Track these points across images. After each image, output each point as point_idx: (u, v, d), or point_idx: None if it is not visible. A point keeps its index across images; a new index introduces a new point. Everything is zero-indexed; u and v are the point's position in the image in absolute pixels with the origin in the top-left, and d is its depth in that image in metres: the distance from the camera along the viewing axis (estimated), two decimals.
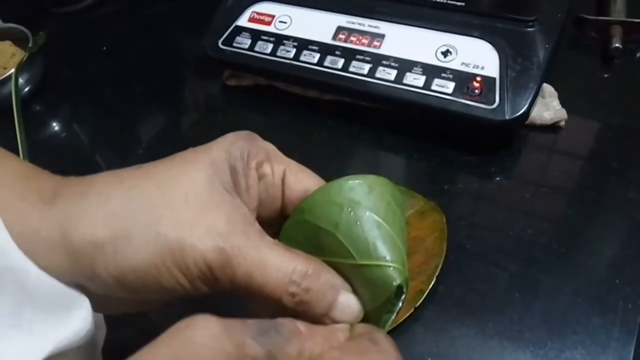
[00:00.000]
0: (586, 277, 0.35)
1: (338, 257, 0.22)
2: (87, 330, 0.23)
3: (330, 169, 0.44)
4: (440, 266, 0.36)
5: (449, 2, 0.45)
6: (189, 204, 0.22)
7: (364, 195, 0.22)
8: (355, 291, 0.23)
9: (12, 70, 0.52)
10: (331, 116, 0.48)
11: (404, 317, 0.34)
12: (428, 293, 0.35)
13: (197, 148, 0.23)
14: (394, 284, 0.22)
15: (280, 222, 0.25)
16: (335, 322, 0.22)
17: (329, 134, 0.47)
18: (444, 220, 0.38)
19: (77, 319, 0.22)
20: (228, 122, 0.51)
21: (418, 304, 0.34)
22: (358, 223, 0.22)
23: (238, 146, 0.23)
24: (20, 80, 0.53)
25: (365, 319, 0.23)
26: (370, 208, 0.22)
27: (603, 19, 0.49)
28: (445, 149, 0.44)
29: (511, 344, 0.33)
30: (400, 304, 0.23)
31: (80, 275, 0.21)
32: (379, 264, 0.22)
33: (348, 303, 0.22)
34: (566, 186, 0.41)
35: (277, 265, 0.21)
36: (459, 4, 0.45)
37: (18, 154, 0.48)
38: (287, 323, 0.20)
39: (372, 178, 0.23)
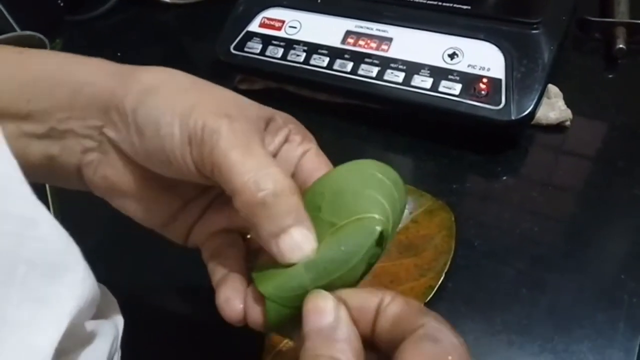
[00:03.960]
0: (592, 273, 0.36)
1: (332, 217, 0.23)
2: (90, 293, 0.22)
3: None
4: (448, 263, 0.37)
5: (455, 5, 0.46)
6: (224, 96, 0.25)
7: (347, 175, 0.24)
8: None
9: None
10: (341, 118, 0.49)
11: None
12: (437, 289, 0.35)
13: None
14: (377, 228, 0.22)
15: None
16: (280, 251, 0.22)
17: (338, 136, 0.48)
18: (452, 219, 0.39)
19: (75, 278, 0.21)
20: None
21: (427, 299, 0.35)
22: (342, 194, 0.23)
23: (287, 115, 0.27)
24: None
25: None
26: (356, 182, 0.24)
27: (607, 20, 0.50)
28: (452, 149, 0.45)
29: (519, 338, 0.34)
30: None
31: (114, 99, 0.24)
32: (359, 216, 0.22)
33: (302, 238, 0.22)
34: (572, 185, 0.42)
35: (260, 157, 0.22)
36: (464, 7, 0.46)
37: None
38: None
39: (363, 161, 0.25)
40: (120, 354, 0.27)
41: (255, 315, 0.23)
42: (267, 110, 0.26)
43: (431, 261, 0.37)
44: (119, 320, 0.27)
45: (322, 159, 0.27)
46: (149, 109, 0.23)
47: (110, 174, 0.26)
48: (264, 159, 0.22)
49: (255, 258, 0.26)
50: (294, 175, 0.27)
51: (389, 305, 0.21)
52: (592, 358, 0.32)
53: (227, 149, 0.22)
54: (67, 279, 0.21)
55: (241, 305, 0.24)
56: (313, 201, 0.24)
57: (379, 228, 0.22)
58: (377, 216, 0.22)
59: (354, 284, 0.23)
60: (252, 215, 0.22)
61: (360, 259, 0.22)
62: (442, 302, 0.36)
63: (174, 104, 0.23)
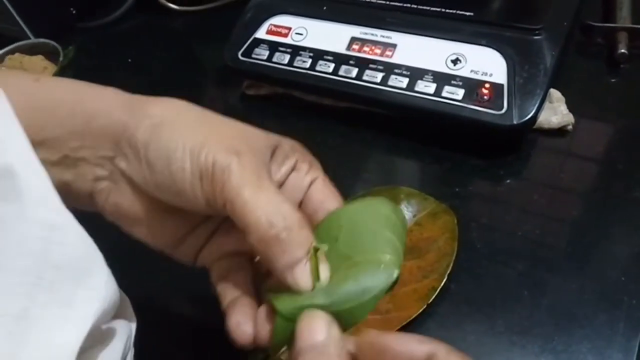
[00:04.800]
0: (592, 275, 0.37)
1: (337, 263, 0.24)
2: (112, 296, 0.24)
3: (345, 174, 0.46)
4: (451, 265, 0.37)
5: (458, 12, 0.47)
6: (230, 130, 0.26)
7: (362, 212, 0.26)
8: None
9: None
10: (346, 123, 0.50)
11: (417, 313, 0.36)
12: (440, 290, 0.36)
13: None
14: (393, 275, 0.23)
15: None
16: (295, 281, 0.23)
17: (343, 140, 0.49)
18: (455, 222, 0.40)
19: (99, 282, 0.23)
20: None
21: (430, 300, 0.36)
22: (360, 232, 0.25)
23: (292, 141, 0.28)
24: None
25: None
26: (370, 220, 0.25)
27: (609, 25, 0.50)
28: (455, 153, 0.46)
29: (520, 339, 0.35)
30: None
31: (126, 132, 0.25)
32: (375, 257, 0.24)
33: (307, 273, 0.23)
34: (573, 188, 0.43)
35: (270, 194, 0.23)
36: (467, 14, 0.46)
37: None
38: None
39: (376, 199, 0.27)
40: (133, 353, 0.28)
41: (264, 334, 0.24)
42: (273, 139, 0.27)
43: (434, 263, 0.38)
44: (132, 320, 0.28)
45: (330, 189, 0.28)
46: (160, 144, 0.24)
47: (120, 202, 0.27)
48: (274, 195, 0.23)
49: (264, 279, 0.27)
50: (302, 204, 0.27)
51: None
52: (591, 359, 0.33)
53: (239, 187, 0.23)
54: (91, 283, 0.22)
55: (252, 330, 0.25)
56: (330, 232, 0.25)
57: (397, 272, 0.23)
58: (394, 258, 0.24)
59: (359, 318, 0.24)
60: (266, 250, 0.23)
61: (374, 296, 0.23)
62: (445, 303, 0.37)
63: (185, 139, 0.24)
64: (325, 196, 0.27)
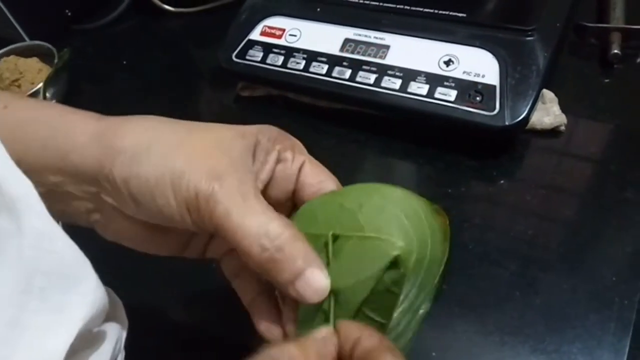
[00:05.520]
0: (584, 275, 0.37)
1: (347, 232, 0.24)
2: (100, 301, 0.24)
3: (339, 174, 0.46)
4: (443, 265, 0.37)
5: (450, 13, 0.47)
6: (206, 145, 0.25)
7: (396, 197, 0.25)
8: (343, 269, 0.24)
9: (40, 85, 0.55)
10: (340, 124, 0.50)
11: None
12: None
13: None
14: (391, 253, 0.23)
15: (289, 206, 0.28)
16: (299, 294, 0.23)
17: (337, 141, 0.50)
18: (447, 222, 0.40)
19: (88, 288, 0.23)
20: None
21: None
22: (381, 210, 0.24)
23: (269, 129, 0.27)
24: (47, 95, 0.56)
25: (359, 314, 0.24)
26: (397, 206, 0.25)
27: (602, 26, 0.50)
28: (448, 154, 0.46)
29: (511, 339, 0.35)
30: (403, 298, 0.24)
31: (102, 170, 0.25)
32: (383, 237, 0.23)
33: (315, 278, 0.23)
34: (565, 188, 0.43)
35: (257, 215, 0.23)
36: (460, 15, 0.47)
37: None
38: (281, 356, 0.21)
39: (406, 190, 0.26)
40: (124, 355, 0.28)
41: (292, 328, 0.26)
42: (250, 138, 0.26)
43: None
44: (123, 322, 0.29)
45: (320, 168, 0.28)
46: (139, 180, 0.24)
47: (119, 229, 0.27)
48: (261, 215, 0.23)
49: None
50: (296, 193, 0.27)
51: (366, 339, 0.22)
52: (582, 359, 0.33)
53: (226, 214, 0.23)
54: (79, 289, 0.22)
55: (280, 331, 0.26)
56: (358, 198, 0.25)
57: (395, 253, 0.23)
58: (401, 244, 0.23)
59: (360, 297, 0.24)
60: (265, 270, 0.23)
61: (371, 276, 0.23)
62: (437, 303, 0.37)
63: (163, 170, 0.24)
64: (318, 177, 0.27)
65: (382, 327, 0.25)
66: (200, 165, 0.24)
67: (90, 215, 0.27)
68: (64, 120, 0.26)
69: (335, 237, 0.24)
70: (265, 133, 0.27)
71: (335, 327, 0.23)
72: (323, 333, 0.23)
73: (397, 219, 0.24)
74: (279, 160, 0.27)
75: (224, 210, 0.23)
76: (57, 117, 0.26)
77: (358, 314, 0.24)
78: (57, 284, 0.22)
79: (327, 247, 0.24)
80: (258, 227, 0.23)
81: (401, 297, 0.24)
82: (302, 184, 0.27)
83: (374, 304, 0.24)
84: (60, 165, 0.25)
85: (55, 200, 0.26)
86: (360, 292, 0.23)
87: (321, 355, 0.22)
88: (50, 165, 0.25)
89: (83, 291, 0.23)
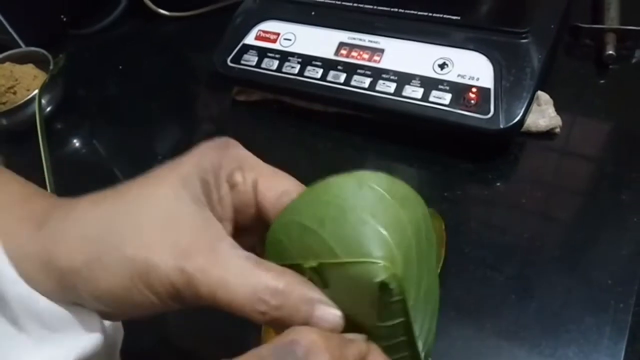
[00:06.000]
0: (579, 278, 0.37)
1: (322, 258, 0.21)
2: (102, 340, 0.24)
3: None
4: (439, 269, 0.37)
5: (445, 16, 0.47)
6: (154, 223, 0.22)
7: (353, 192, 0.21)
8: (339, 297, 0.22)
9: (36, 92, 0.55)
10: (335, 128, 0.50)
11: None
12: None
13: (171, 163, 0.24)
14: (375, 280, 0.20)
15: (261, 227, 0.24)
16: (323, 327, 0.21)
17: (333, 145, 0.50)
18: (443, 227, 0.40)
19: (91, 335, 0.23)
20: (238, 135, 0.53)
21: None
22: (344, 220, 0.21)
23: (208, 158, 0.23)
24: (43, 101, 0.56)
25: (367, 332, 0.22)
26: (358, 205, 0.21)
27: (597, 27, 0.50)
28: (444, 157, 0.46)
29: (507, 343, 0.35)
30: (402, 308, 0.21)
31: (70, 296, 0.23)
32: (362, 260, 0.21)
33: (325, 317, 0.21)
34: (561, 191, 0.43)
35: (244, 282, 0.21)
36: (454, 18, 0.47)
37: (43, 170, 0.52)
38: (302, 340, 0.20)
39: (362, 173, 0.22)
40: None
41: None
42: (193, 181, 0.23)
43: None
44: (119, 330, 0.29)
45: (275, 179, 0.24)
46: (109, 295, 0.22)
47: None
48: (248, 277, 0.21)
49: None
50: (262, 211, 0.24)
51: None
52: None
53: (211, 294, 0.21)
54: (76, 335, 0.23)
55: None
56: (315, 211, 0.22)
57: (381, 277, 0.20)
58: (380, 262, 0.20)
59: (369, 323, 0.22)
60: (277, 326, 0.22)
61: (369, 306, 0.21)
62: None
63: (129, 275, 0.21)
64: (276, 191, 0.24)
65: (409, 338, 0.23)
66: (159, 249, 0.21)
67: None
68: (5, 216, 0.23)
69: (314, 269, 0.22)
70: (205, 163, 0.23)
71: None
72: (353, 336, 0.22)
73: (364, 224, 0.21)
74: (231, 187, 0.24)
75: (207, 291, 0.21)
76: None
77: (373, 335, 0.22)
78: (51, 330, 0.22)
79: (314, 280, 0.22)
80: (250, 295, 0.21)
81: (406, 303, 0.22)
82: (262, 205, 0.24)
83: (387, 317, 0.22)
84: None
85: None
86: (369, 318, 0.22)
87: (342, 348, 0.21)
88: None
89: (79, 338, 0.23)
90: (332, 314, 0.22)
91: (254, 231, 0.25)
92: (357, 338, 0.22)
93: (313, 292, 0.22)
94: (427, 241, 0.23)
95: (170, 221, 0.22)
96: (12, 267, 0.22)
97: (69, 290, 0.22)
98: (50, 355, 0.23)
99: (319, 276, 0.22)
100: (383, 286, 0.20)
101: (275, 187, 0.24)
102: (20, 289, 0.22)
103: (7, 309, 0.22)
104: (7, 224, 0.23)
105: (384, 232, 0.21)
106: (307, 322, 0.21)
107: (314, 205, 0.22)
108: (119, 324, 0.29)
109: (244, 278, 0.21)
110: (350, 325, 0.22)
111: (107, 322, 0.25)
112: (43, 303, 0.22)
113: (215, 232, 0.22)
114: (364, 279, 0.21)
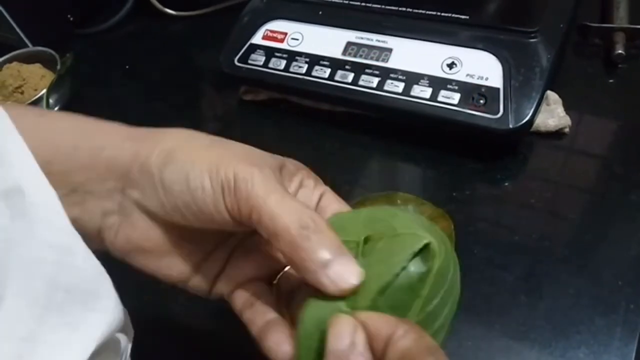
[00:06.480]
0: (589, 279, 0.37)
1: (379, 234, 0.24)
2: (118, 320, 0.24)
3: (342, 178, 0.46)
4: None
5: (453, 15, 0.47)
6: (241, 148, 0.26)
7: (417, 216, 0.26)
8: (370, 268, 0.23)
9: (43, 92, 0.55)
10: (343, 128, 0.50)
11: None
12: None
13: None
14: (423, 240, 0.22)
15: None
16: (332, 281, 0.22)
17: (341, 145, 0.49)
18: (452, 227, 0.40)
19: (107, 305, 0.23)
20: (245, 134, 0.53)
21: None
22: (414, 220, 0.24)
23: (294, 162, 0.28)
24: (50, 101, 0.56)
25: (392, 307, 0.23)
26: (421, 220, 0.25)
27: (606, 26, 0.50)
28: (452, 157, 0.46)
29: (517, 344, 0.35)
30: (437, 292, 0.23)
31: (137, 160, 0.25)
32: (416, 232, 0.23)
33: (349, 264, 0.22)
34: (569, 190, 0.43)
35: (295, 201, 0.24)
36: (463, 17, 0.46)
37: None
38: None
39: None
40: None
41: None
42: (279, 159, 0.27)
43: None
44: (129, 331, 0.29)
45: (339, 200, 0.29)
46: (176, 165, 0.25)
47: (132, 235, 0.26)
48: (298, 202, 0.24)
49: (289, 300, 0.27)
50: (318, 211, 0.28)
51: (401, 338, 0.21)
52: None
53: (265, 194, 0.23)
54: (99, 306, 0.23)
55: (290, 348, 0.24)
56: (390, 209, 0.26)
57: (426, 240, 0.22)
58: (429, 237, 0.23)
59: (402, 310, 0.23)
60: (298, 253, 0.23)
61: (400, 265, 0.22)
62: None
63: (200, 159, 0.25)
64: (339, 205, 0.28)
65: None
66: (237, 156, 0.25)
67: (105, 219, 0.26)
68: (99, 125, 0.27)
69: (366, 240, 0.24)
70: (292, 162, 0.28)
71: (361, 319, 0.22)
72: (346, 339, 0.21)
73: (430, 228, 0.24)
74: (301, 185, 0.28)
75: (262, 191, 0.23)
76: (92, 123, 0.27)
77: (373, 308, 0.23)
78: (76, 300, 0.22)
79: (358, 247, 0.24)
80: (296, 208, 0.23)
81: (420, 303, 0.23)
82: (322, 210, 0.28)
83: (393, 300, 0.22)
84: (91, 163, 0.25)
85: (71, 204, 0.25)
86: (384, 276, 0.22)
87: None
88: (78, 164, 0.25)
89: (101, 309, 0.23)
90: (355, 266, 0.23)
91: None
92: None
93: (344, 247, 0.23)
94: (452, 252, 0.25)
95: (252, 152, 0.26)
96: (64, 215, 0.22)
97: (141, 154, 0.25)
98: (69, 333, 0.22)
99: (364, 248, 0.24)
100: (424, 250, 0.23)
101: (338, 202, 0.28)
102: (63, 238, 0.22)
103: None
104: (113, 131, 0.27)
105: (441, 243, 0.24)
106: (329, 261, 0.22)
107: (385, 209, 0.26)
108: (129, 324, 0.29)
109: (298, 201, 0.24)
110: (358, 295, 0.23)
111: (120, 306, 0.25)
112: (81, 256, 0.22)
113: (279, 179, 0.25)
114: (408, 242, 0.23)
